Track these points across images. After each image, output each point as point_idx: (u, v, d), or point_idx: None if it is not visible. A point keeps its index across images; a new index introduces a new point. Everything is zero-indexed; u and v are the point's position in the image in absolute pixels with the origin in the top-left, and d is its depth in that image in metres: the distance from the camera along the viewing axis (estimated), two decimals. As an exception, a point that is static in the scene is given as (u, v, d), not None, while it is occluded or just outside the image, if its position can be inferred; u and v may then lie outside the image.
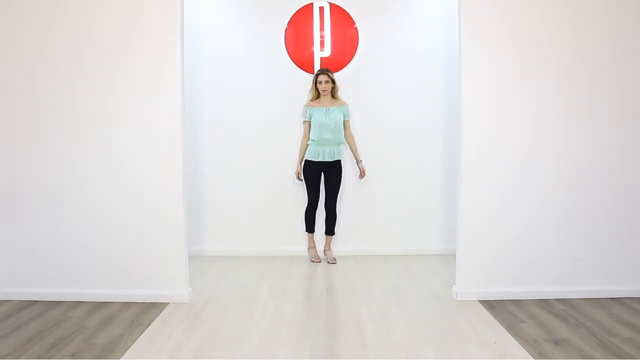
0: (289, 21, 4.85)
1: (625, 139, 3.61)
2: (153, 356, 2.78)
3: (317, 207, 4.70)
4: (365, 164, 4.71)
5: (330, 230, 4.74)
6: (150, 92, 3.51)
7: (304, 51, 4.85)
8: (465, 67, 3.54)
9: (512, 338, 2.97)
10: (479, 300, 3.57)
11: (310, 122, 4.56)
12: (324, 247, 4.78)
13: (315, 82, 4.57)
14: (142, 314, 3.37)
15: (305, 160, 4.60)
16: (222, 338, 3.03)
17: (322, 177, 4.64)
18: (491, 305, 3.49)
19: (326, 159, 4.56)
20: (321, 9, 4.85)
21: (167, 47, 3.48)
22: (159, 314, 3.36)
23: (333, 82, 4.57)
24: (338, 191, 4.67)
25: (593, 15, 3.55)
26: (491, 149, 3.58)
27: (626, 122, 3.60)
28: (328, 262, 4.64)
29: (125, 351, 2.82)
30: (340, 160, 4.64)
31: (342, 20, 4.85)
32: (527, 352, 2.79)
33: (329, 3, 4.84)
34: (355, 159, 4.70)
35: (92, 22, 3.50)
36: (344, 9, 4.84)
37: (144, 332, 3.07)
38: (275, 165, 4.89)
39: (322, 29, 4.85)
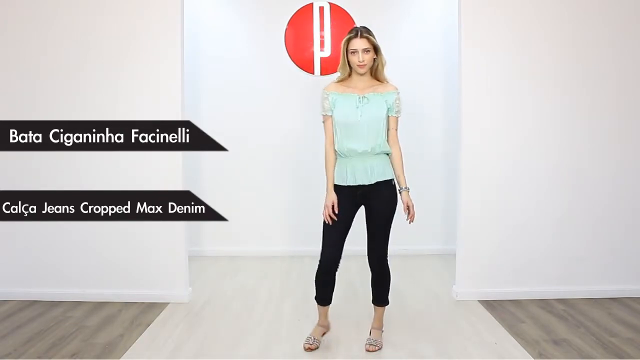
0: (289, 21, 4.84)
1: (625, 138, 3.61)
2: (153, 356, 2.79)
3: (337, 262, 2.77)
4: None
5: (381, 297, 2.92)
6: (150, 92, 3.51)
7: (304, 51, 4.84)
8: (465, 67, 3.54)
9: (512, 338, 2.97)
10: (479, 300, 3.57)
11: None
12: (372, 324, 2.95)
13: (346, 52, 2.73)
14: (142, 314, 3.37)
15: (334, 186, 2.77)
16: (222, 338, 3.03)
17: (355, 213, 2.82)
18: (491, 305, 3.49)
19: (359, 182, 2.72)
20: (321, 9, 4.85)
21: (167, 47, 3.49)
22: (159, 314, 3.36)
23: (376, 51, 2.72)
24: (388, 233, 2.81)
25: (593, 15, 3.55)
26: (491, 148, 3.58)
27: (626, 121, 3.60)
28: (367, 350, 2.83)
29: (125, 351, 2.82)
30: (389, 182, 2.78)
31: (342, 20, 4.84)
32: (527, 352, 2.79)
33: (329, 3, 4.83)
34: (397, 183, 2.81)
35: (92, 23, 3.51)
36: (344, 9, 4.83)
37: (144, 332, 3.07)
38: (275, 165, 4.88)
39: (322, 29, 4.85)
